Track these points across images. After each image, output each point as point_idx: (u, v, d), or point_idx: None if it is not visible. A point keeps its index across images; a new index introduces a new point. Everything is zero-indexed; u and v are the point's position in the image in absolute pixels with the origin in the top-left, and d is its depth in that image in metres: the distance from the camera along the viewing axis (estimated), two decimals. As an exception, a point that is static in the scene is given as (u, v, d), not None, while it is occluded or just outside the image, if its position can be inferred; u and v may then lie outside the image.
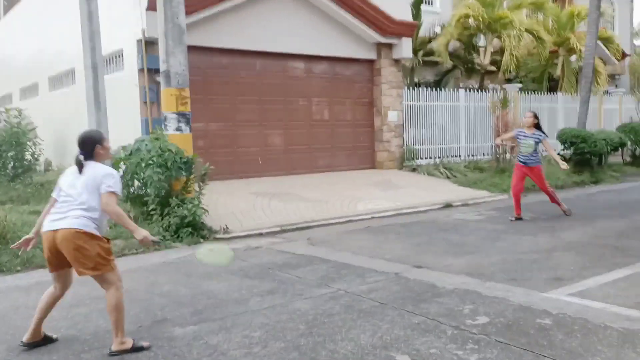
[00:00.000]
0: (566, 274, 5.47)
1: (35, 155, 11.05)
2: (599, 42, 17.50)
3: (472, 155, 15.13)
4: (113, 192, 3.89)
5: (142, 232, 3.93)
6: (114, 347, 3.82)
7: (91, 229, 3.86)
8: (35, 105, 14.91)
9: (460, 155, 15.05)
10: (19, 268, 6.33)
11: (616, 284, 5.10)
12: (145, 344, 3.91)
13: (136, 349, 3.83)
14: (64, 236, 3.80)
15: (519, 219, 8.74)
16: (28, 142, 10.80)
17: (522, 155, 8.81)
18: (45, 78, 15.13)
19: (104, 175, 3.90)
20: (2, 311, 4.86)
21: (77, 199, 3.88)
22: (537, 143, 8.70)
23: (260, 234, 8.21)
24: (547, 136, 8.88)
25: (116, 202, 3.91)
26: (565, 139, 14.40)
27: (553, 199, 9.01)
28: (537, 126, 8.77)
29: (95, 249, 3.85)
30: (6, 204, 8.66)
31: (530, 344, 3.75)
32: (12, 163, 10.53)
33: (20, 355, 3.88)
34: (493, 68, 17.86)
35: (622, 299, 4.64)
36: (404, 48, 13.60)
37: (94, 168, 3.95)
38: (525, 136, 8.71)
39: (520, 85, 17.31)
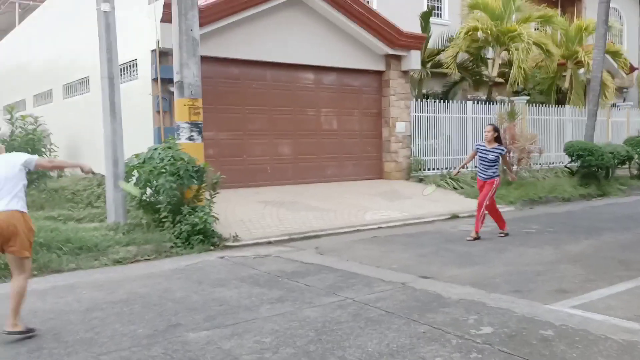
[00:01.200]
0: (570, 287, 5.59)
1: (50, 162, 11.27)
2: (607, 56, 17.60)
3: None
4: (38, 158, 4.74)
5: (85, 163, 4.98)
6: (9, 328, 4.33)
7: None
8: (49, 112, 15.17)
9: (467, 167, 15.10)
10: (35, 272, 6.49)
11: (618, 297, 5.21)
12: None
13: (28, 330, 4.38)
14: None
15: (505, 234, 8.50)
16: (43, 149, 11.02)
17: (481, 171, 8.50)
18: (59, 85, 15.41)
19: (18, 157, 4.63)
20: (20, 315, 5.00)
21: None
22: (497, 158, 8.40)
23: (270, 242, 8.37)
24: (507, 151, 8.44)
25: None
26: (573, 151, 14.50)
27: (478, 216, 8.39)
28: (498, 139, 8.49)
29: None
30: (21, 209, 8.84)
31: (533, 354, 3.87)
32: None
33: (40, 357, 4.03)
34: (501, 80, 17.99)
35: (624, 311, 4.75)
36: (413, 60, 13.77)
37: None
38: (486, 151, 8.40)
39: (527, 97, 17.43)
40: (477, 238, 8.29)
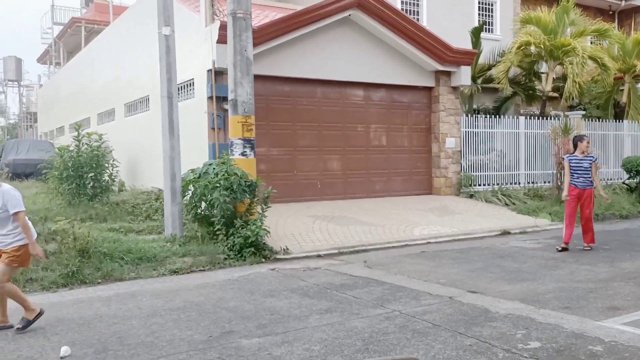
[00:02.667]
0: (622, 304, 5.49)
1: (112, 177, 11.88)
2: (667, 69, 17.00)
3: (533, 183, 14.97)
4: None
5: (39, 250, 5.14)
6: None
7: None
8: (112, 129, 16.00)
9: (519, 183, 14.92)
10: (99, 281, 6.92)
11: (674, 316, 5.09)
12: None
13: None
14: None
15: (565, 249, 8.65)
16: (106, 164, 11.64)
17: (577, 180, 8.81)
18: (121, 104, 16.24)
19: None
20: (87, 319, 5.37)
21: None
22: (590, 165, 8.79)
23: (319, 256, 8.55)
24: (596, 159, 9.06)
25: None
26: (631, 167, 14.07)
27: (590, 227, 8.80)
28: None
29: None
30: (86, 221, 9.39)
31: (581, 369, 3.87)
32: (91, 183, 11.39)
33: (106, 358, 4.33)
34: (555, 95, 17.65)
35: (679, 330, 4.64)
36: (463, 75, 13.76)
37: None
38: (579, 160, 8.82)
39: (583, 112, 17.02)
40: (566, 249, 8.66)
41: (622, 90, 18.26)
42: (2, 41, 56.91)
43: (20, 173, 17.33)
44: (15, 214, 4.92)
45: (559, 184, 14.07)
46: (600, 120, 16.95)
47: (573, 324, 4.85)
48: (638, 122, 17.36)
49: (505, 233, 10.57)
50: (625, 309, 5.31)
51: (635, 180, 14.33)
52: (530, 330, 4.74)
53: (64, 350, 4.41)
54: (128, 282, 6.92)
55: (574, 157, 8.89)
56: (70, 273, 6.83)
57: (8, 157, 18.46)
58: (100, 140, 11.83)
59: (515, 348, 4.30)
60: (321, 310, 5.47)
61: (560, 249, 8.65)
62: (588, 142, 9.05)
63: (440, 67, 13.48)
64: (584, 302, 5.62)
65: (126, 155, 14.71)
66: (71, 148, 11.49)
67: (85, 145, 11.58)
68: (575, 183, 8.83)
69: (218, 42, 10.21)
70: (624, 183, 15.21)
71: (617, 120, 17.41)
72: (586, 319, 5.01)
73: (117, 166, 12.04)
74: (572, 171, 8.84)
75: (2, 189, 4.94)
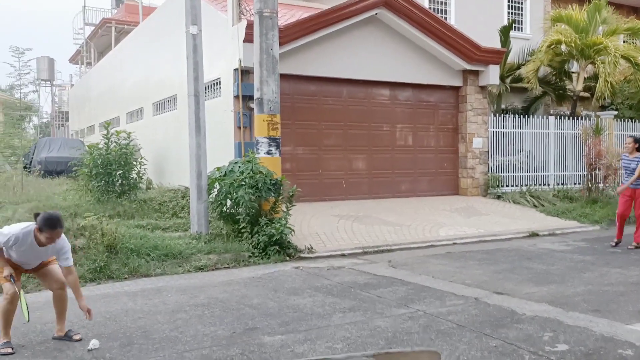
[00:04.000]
0: (655, 308, 5.33)
1: (140, 175, 12.05)
2: None
3: (562, 184, 14.69)
4: None
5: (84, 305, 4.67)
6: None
7: None
8: (140, 128, 16.23)
9: (549, 184, 14.65)
10: (126, 276, 7.03)
11: None
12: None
13: None
14: None
15: (618, 242, 9.09)
16: (134, 162, 11.80)
17: (626, 180, 9.07)
18: (150, 103, 16.46)
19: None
20: (113, 313, 5.45)
21: None
22: (637, 166, 8.90)
23: (343, 255, 8.53)
24: None
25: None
26: (665, 169, 13.63)
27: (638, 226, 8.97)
28: (639, 150, 9.09)
29: None
30: (114, 218, 9.56)
31: (610, 374, 3.77)
32: (119, 181, 11.56)
33: (131, 352, 4.39)
34: (586, 94, 17.28)
35: None
36: (491, 75, 13.56)
37: None
38: (628, 160, 9.07)
39: (615, 112, 16.62)
40: (619, 242, 9.08)
41: (657, 90, 17.76)
42: (37, 41, 58.43)
43: (51, 170, 17.72)
44: (70, 267, 4.64)
45: (589, 185, 13.81)
46: (633, 120, 16.53)
47: (602, 327, 4.74)
48: (674, 122, 16.85)
49: (534, 235, 10.38)
50: (658, 313, 5.17)
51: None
52: (558, 332, 4.64)
53: (93, 343, 4.48)
54: (154, 278, 7.01)
55: (625, 157, 9.19)
56: (98, 268, 6.95)
57: (40, 154, 18.90)
58: (129, 138, 12.00)
59: (542, 350, 4.21)
60: (344, 309, 5.45)
61: (613, 244, 9.12)
62: (627, 143, 9.18)
63: (468, 67, 13.32)
64: (614, 305, 5.48)
65: (154, 154, 14.91)
66: (100, 146, 11.68)
67: (114, 144, 11.76)
68: (625, 183, 9.09)
69: (244, 41, 10.27)
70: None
71: (652, 121, 16.95)
72: (616, 322, 4.89)
73: (144, 164, 12.20)
74: (623, 171, 9.17)
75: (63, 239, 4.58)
